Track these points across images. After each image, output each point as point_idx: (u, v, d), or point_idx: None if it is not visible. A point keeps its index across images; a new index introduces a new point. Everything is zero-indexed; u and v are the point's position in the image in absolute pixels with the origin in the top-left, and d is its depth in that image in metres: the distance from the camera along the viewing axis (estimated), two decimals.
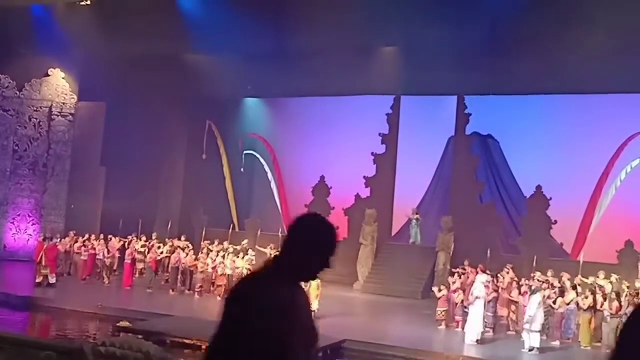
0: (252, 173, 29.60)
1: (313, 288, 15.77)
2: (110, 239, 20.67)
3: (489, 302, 14.96)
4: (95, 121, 25.47)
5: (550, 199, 22.13)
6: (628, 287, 16.20)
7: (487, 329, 14.85)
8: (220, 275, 17.98)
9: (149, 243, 20.50)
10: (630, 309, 13.08)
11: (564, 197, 22.48)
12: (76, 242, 20.35)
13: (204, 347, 12.22)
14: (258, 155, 29.35)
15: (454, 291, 15.76)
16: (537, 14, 18.38)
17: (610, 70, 19.62)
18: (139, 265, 19.98)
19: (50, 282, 18.04)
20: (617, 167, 23.36)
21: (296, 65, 23.03)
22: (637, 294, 14.54)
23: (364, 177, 24.97)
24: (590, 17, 17.92)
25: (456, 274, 17.53)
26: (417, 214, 23.64)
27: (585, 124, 23.63)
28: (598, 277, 17.36)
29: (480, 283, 14.37)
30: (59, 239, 20.28)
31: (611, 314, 14.25)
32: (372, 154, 25.05)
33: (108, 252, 19.88)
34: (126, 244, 20.32)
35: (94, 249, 19.93)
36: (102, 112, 25.67)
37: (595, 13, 17.77)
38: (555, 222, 22.16)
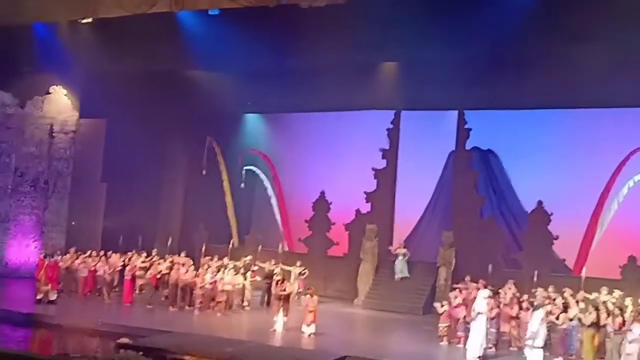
0: (252, 189, 29.60)
1: (310, 305, 15.69)
2: (111, 255, 20.63)
3: (491, 318, 14.86)
4: (96, 138, 25.54)
5: (552, 214, 22.05)
6: (632, 303, 16.10)
7: (489, 345, 14.74)
8: (220, 291, 17.90)
9: (150, 259, 20.46)
10: (635, 325, 12.99)
11: (566, 212, 22.40)
12: (77, 258, 20.31)
13: None
14: (258, 171, 29.37)
15: (456, 307, 15.67)
16: (538, 31, 18.45)
17: (611, 85, 19.64)
18: (140, 282, 19.92)
19: (51, 299, 17.98)
20: (619, 182, 23.30)
21: (296, 81, 23.11)
22: None
23: (365, 192, 24.94)
24: (591, 34, 18.00)
25: (458, 290, 17.45)
26: (404, 247, 23.10)
27: (587, 138, 23.63)
28: (601, 293, 17.25)
29: (482, 299, 14.29)
30: (60, 256, 20.24)
31: (614, 330, 14.14)
32: (372, 169, 25.04)
33: (109, 268, 19.82)
34: (127, 260, 20.27)
35: (95, 265, 19.88)
36: (103, 128, 25.75)
37: (595, 30, 17.85)
38: (557, 237, 22.05)
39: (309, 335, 15.42)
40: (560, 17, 17.79)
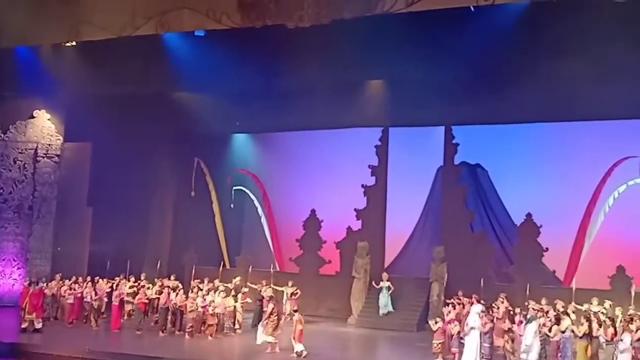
0: (242, 209, 29.45)
1: (296, 325, 15.49)
2: (98, 281, 20.35)
3: (485, 333, 14.76)
4: (82, 162, 25.31)
5: (541, 226, 22.11)
6: (622, 313, 16.10)
7: (483, 359, 14.63)
8: (212, 314, 17.68)
9: (138, 284, 20.20)
10: (625, 335, 12.95)
11: (554, 224, 22.48)
12: (63, 285, 20.00)
13: None
14: (248, 191, 29.25)
15: (449, 322, 15.57)
16: (521, 47, 18.65)
17: (594, 98, 19.82)
18: (128, 307, 19.63)
19: (37, 327, 17.64)
20: (605, 193, 23.45)
21: (284, 100, 23.12)
22: (632, 319, 14.40)
23: (355, 209, 24.87)
24: (572, 48, 18.21)
25: (450, 305, 17.36)
26: (388, 280, 22.10)
27: (572, 151, 23.81)
28: (592, 303, 17.27)
29: (475, 313, 14.22)
30: (45, 283, 19.91)
31: (607, 340, 14.11)
32: (362, 186, 25.01)
33: (95, 294, 19.52)
34: (114, 285, 19.99)
35: (81, 292, 19.58)
36: (88, 152, 25.53)
37: (576, 44, 18.06)
38: (547, 249, 22.11)
39: (300, 354, 15.22)
40: (542, 33, 17.99)
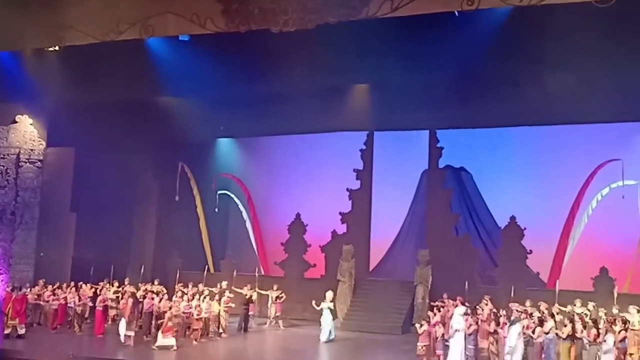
0: (226, 213, 29.39)
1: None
2: (81, 286, 20.21)
3: (469, 334, 14.84)
4: (65, 167, 25.13)
5: (525, 229, 22.31)
6: (605, 314, 16.27)
7: None
8: (197, 319, 17.60)
9: (122, 289, 20.07)
10: (608, 335, 13.09)
11: (538, 226, 22.69)
12: (46, 290, 19.84)
13: None
14: (232, 195, 29.21)
15: (434, 325, 15.63)
16: (504, 53, 18.79)
17: (578, 102, 20.04)
18: (112, 312, 19.50)
19: (20, 333, 17.47)
20: (588, 195, 23.73)
21: (269, 105, 23.11)
22: (615, 320, 14.56)
23: (340, 213, 24.93)
24: (555, 54, 18.41)
25: (435, 308, 17.44)
26: (331, 301, 19.47)
27: (556, 154, 24.06)
28: (575, 305, 17.42)
29: (459, 316, 14.29)
30: (28, 289, 19.73)
31: (590, 341, 14.24)
32: (347, 189, 25.09)
33: (79, 299, 19.39)
34: (98, 290, 19.85)
35: (65, 297, 19.43)
36: (71, 157, 25.36)
37: (559, 50, 18.25)
38: (531, 251, 22.31)
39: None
40: (525, 38, 18.14)
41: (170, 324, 16.42)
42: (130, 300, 17.06)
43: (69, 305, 19.36)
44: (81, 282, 20.51)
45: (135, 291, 19.12)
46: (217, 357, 16.30)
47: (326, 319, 18.81)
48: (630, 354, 15.35)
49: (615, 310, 16.65)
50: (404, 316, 21.55)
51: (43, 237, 23.79)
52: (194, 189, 27.66)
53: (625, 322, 15.00)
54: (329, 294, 19.34)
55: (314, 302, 19.51)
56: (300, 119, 23.69)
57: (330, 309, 19.10)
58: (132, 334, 16.53)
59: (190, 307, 17.72)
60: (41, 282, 20.52)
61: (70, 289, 19.87)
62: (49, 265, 23.31)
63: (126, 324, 16.64)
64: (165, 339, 16.07)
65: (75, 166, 25.30)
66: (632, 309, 16.22)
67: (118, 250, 24.33)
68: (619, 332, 13.94)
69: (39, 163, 24.03)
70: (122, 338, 16.52)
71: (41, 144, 24.13)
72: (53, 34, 20.09)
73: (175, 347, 16.10)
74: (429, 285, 21.80)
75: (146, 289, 20.40)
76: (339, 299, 22.65)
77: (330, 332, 18.79)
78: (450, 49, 19.02)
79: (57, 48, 20.71)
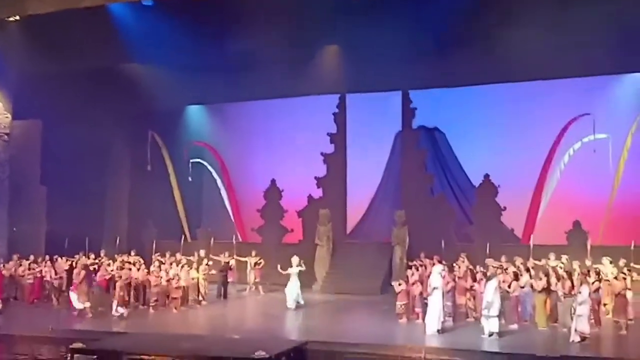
0: (200, 182, 29.16)
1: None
2: (57, 259, 19.97)
3: (447, 292, 15.05)
4: (32, 140, 24.57)
5: (499, 186, 22.57)
6: (579, 266, 16.61)
7: (447, 318, 14.92)
8: (176, 287, 17.55)
9: (98, 261, 19.90)
10: (583, 287, 13.37)
11: (512, 183, 22.97)
12: (20, 265, 19.57)
13: None
14: (205, 163, 28.93)
15: (413, 284, 15.82)
16: (475, 11, 18.72)
17: (548, 57, 20.12)
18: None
19: None
20: (561, 151, 24.02)
21: (238, 70, 22.74)
22: (588, 272, 14.86)
23: (315, 177, 24.91)
24: (525, 11, 18.36)
25: (413, 267, 17.61)
26: (298, 265, 18.37)
27: (528, 111, 24.20)
28: (549, 258, 17.75)
29: (437, 274, 14.44)
30: (2, 264, 19.45)
31: (564, 293, 14.55)
32: (321, 154, 25.01)
33: (55, 273, 19.18)
34: (74, 263, 19.63)
35: (40, 271, 19.20)
36: (38, 130, 24.78)
37: (529, 6, 18.19)
38: (505, 208, 22.63)
39: None
40: None
41: (121, 293, 16.33)
42: (83, 272, 16.91)
43: (45, 279, 19.15)
44: (56, 256, 20.26)
45: (88, 263, 18.94)
46: (197, 325, 16.30)
47: (292, 285, 17.96)
48: (604, 304, 15.81)
49: (588, 262, 17.04)
50: (383, 277, 21.76)
51: (14, 212, 23.39)
52: (166, 158, 27.32)
53: (598, 273, 15.37)
54: (295, 259, 18.46)
55: (279, 266, 19.09)
56: (270, 83, 23.38)
57: (297, 274, 18.15)
58: (87, 305, 16.42)
59: (170, 276, 17.63)
60: (15, 257, 20.22)
61: (46, 262, 19.63)
62: (23, 239, 22.94)
63: (78, 296, 16.50)
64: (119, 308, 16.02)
65: (43, 139, 24.75)
66: (605, 260, 16.63)
67: (92, 223, 24.04)
68: (593, 283, 14.25)
69: (6, 137, 23.46)
70: (76, 309, 16.34)
71: (7, 117, 23.51)
72: (13, 4, 19.49)
73: (125, 314, 16.01)
74: (406, 246, 22.00)
75: (123, 260, 20.23)
76: (317, 262, 22.79)
77: (297, 297, 17.88)
78: (420, 7, 18.86)
79: (17, 18, 20.09)
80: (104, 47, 21.18)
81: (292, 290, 17.94)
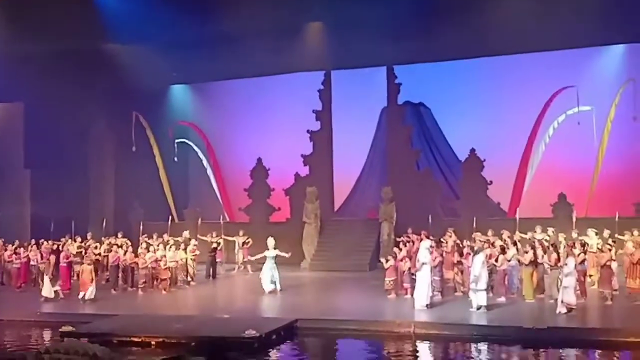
0: (186, 162, 29.02)
1: None
2: (43, 243, 19.81)
3: (435, 266, 15.14)
4: (14, 123, 24.28)
5: (485, 160, 22.64)
6: (565, 239, 16.77)
7: (435, 293, 15.04)
8: (164, 269, 17.52)
9: (85, 244, 19.78)
10: (569, 259, 13.51)
11: (498, 157, 23.08)
12: (6, 250, 19.40)
13: (153, 342, 11.92)
14: (191, 143, 28.74)
15: (401, 260, 15.90)
16: None
17: (532, 30, 20.09)
18: (77, 268, 19.19)
19: None
20: (545, 123, 24.14)
21: (222, 48, 22.53)
22: (574, 244, 15.02)
23: (302, 155, 24.83)
24: None
25: (401, 243, 17.69)
26: (275, 248, 17.07)
27: (512, 84, 24.27)
28: (536, 231, 17.88)
29: (425, 249, 14.50)
30: None
31: (550, 266, 14.70)
32: (307, 131, 24.91)
33: (42, 257, 19.04)
34: (60, 246, 19.51)
35: (27, 256, 19.05)
36: (20, 112, 24.47)
37: None
38: (491, 182, 22.73)
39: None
40: None
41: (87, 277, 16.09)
42: (53, 257, 16.73)
43: (31, 263, 19.01)
44: (42, 240, 20.10)
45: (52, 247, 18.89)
46: (186, 305, 16.32)
47: (266, 269, 16.68)
48: (590, 275, 16.01)
49: (574, 234, 17.20)
50: (371, 253, 21.87)
51: None
52: (150, 139, 27.09)
53: (584, 245, 15.55)
54: (270, 241, 17.11)
55: (249, 257, 19.19)
56: (254, 61, 23.20)
57: (274, 258, 16.78)
58: (57, 288, 16.37)
59: (157, 257, 17.58)
60: (0, 241, 20.04)
61: (32, 247, 19.46)
62: (7, 224, 22.78)
63: (49, 280, 16.42)
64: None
65: (26, 121, 24.44)
66: (591, 232, 16.79)
67: (77, 205, 23.85)
68: (579, 255, 14.41)
69: None
70: (47, 293, 16.24)
71: None
72: None
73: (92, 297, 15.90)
74: (394, 222, 22.07)
75: (110, 242, 20.13)
76: (305, 240, 22.83)
77: (272, 279, 16.63)
78: None
79: None
80: (85, 27, 20.85)
81: (267, 273, 16.63)
